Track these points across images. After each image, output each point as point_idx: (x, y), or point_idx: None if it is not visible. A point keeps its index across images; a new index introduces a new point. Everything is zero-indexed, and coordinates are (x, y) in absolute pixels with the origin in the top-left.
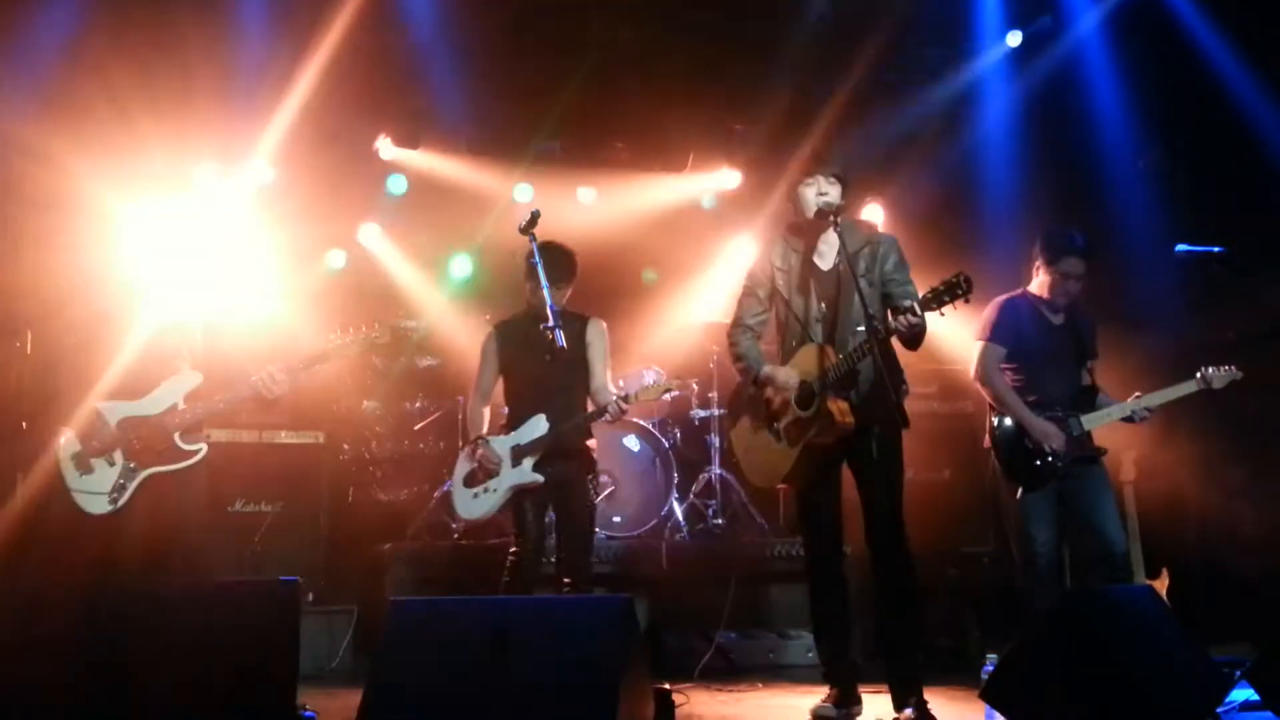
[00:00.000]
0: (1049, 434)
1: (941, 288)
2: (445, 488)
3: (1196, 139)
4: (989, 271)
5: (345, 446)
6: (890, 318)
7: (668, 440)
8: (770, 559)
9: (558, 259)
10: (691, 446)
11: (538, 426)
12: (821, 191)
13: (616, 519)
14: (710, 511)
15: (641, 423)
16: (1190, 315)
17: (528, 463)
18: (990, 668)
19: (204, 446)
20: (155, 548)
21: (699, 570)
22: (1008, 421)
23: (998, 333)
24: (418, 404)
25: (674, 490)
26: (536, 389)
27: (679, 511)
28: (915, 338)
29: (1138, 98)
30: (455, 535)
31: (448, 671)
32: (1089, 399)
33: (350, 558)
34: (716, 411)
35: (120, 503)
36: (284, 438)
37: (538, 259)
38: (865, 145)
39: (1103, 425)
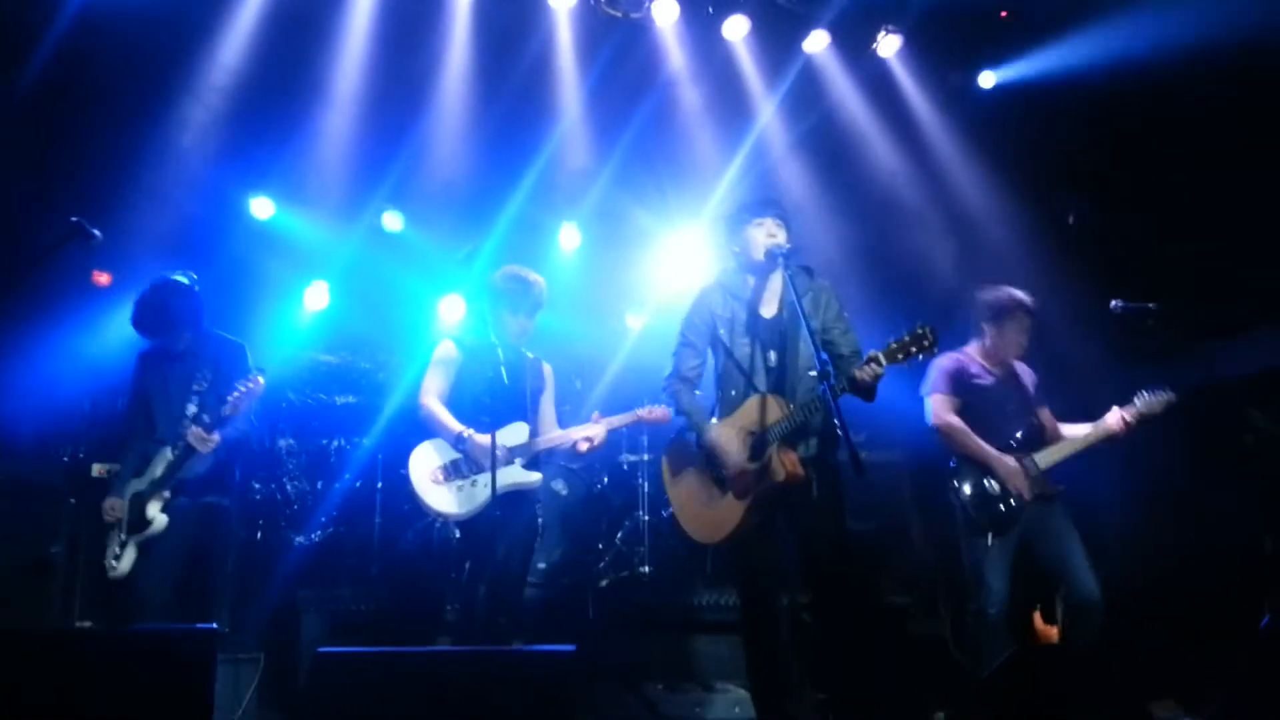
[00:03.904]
0: (1012, 473)
1: (908, 339)
2: (364, 529)
3: (1130, 191)
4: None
5: (256, 485)
6: (845, 369)
7: (596, 485)
8: (698, 609)
9: (525, 288)
10: (619, 491)
11: (521, 431)
12: (771, 233)
13: (541, 565)
14: (637, 559)
15: (569, 466)
16: (1124, 369)
17: (519, 463)
18: None
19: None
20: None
21: (625, 619)
22: (967, 469)
23: (948, 385)
24: (335, 442)
25: (601, 536)
26: (494, 417)
27: (606, 558)
28: (873, 389)
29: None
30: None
31: None
32: (1038, 439)
33: (259, 602)
34: (646, 456)
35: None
36: None
37: (502, 288)
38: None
39: (1057, 460)
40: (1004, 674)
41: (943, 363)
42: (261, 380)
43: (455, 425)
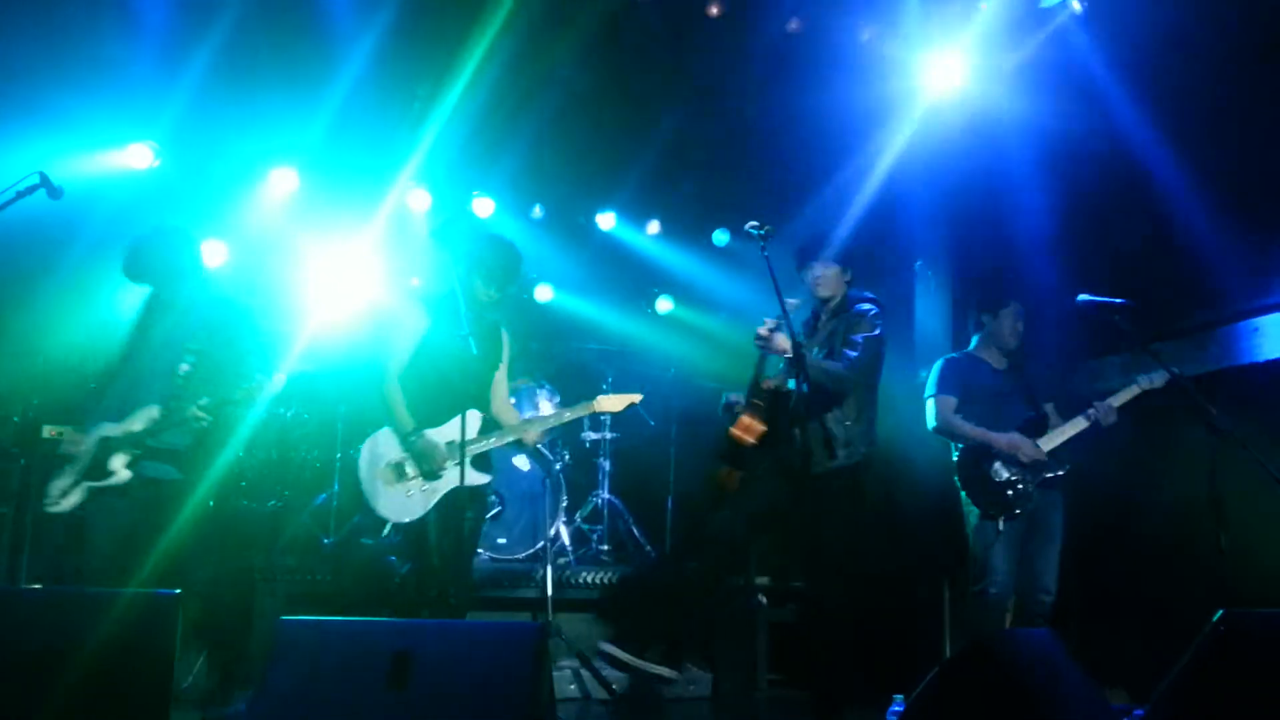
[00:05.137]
0: (1018, 445)
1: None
2: (320, 499)
3: (1097, 193)
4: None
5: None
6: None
7: (556, 462)
8: (655, 588)
9: (502, 257)
10: (580, 470)
11: (473, 425)
12: (817, 275)
13: (501, 540)
14: (596, 537)
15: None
16: (1077, 363)
17: (469, 462)
18: (896, 708)
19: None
20: None
21: (582, 597)
22: (971, 459)
23: (948, 386)
24: (290, 410)
25: (561, 514)
26: (459, 392)
27: (565, 536)
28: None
29: (1039, 148)
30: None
31: (339, 699)
32: (1040, 426)
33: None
34: (608, 435)
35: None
36: None
37: (481, 254)
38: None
39: (1059, 443)
40: (962, 659)
41: (945, 364)
42: (262, 383)
43: (408, 421)
